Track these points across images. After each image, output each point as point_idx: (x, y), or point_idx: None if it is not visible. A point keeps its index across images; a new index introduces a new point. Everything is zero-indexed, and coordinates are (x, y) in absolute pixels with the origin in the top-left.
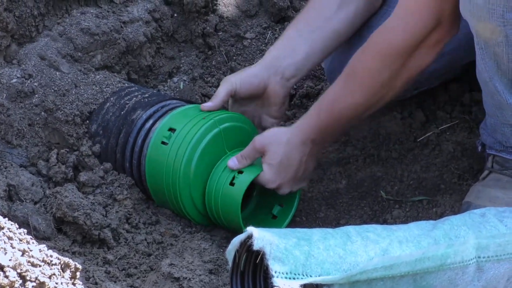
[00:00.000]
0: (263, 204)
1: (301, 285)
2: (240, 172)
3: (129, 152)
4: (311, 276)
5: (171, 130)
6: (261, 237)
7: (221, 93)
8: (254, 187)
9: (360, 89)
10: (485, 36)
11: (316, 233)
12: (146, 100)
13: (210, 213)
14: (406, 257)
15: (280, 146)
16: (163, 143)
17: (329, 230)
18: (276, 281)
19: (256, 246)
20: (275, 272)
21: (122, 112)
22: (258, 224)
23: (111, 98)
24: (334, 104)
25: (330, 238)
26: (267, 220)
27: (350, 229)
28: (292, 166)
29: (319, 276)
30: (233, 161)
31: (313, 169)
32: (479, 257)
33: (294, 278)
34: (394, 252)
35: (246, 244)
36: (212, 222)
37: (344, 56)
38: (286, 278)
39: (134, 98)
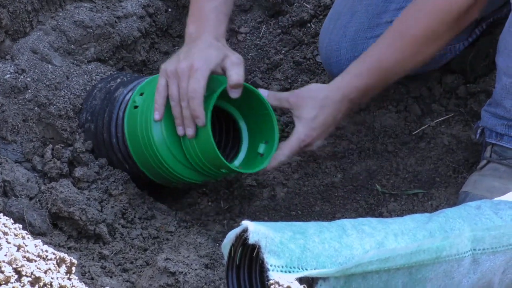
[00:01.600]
0: (252, 148)
1: (296, 279)
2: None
3: (114, 127)
4: (306, 269)
5: (142, 94)
6: (257, 230)
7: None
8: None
9: (411, 47)
10: None
11: (312, 227)
12: (128, 79)
13: (193, 161)
14: (401, 250)
15: (317, 102)
16: (135, 107)
17: (325, 223)
18: (271, 274)
19: (252, 240)
20: (271, 265)
21: (107, 95)
22: (249, 166)
23: (99, 85)
24: (381, 63)
25: (326, 232)
26: (256, 160)
27: (346, 222)
28: (326, 122)
29: (314, 269)
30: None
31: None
32: (474, 249)
33: (289, 272)
34: (389, 245)
35: (242, 238)
36: (202, 175)
37: (333, 24)
38: (281, 271)
39: (118, 80)
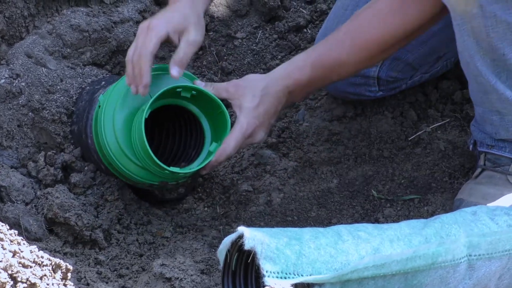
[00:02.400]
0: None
1: (292, 285)
2: None
3: (89, 128)
4: (302, 275)
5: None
6: (252, 236)
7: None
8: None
9: (359, 51)
10: (460, 8)
11: (307, 233)
12: (110, 81)
13: (142, 161)
14: (397, 256)
15: (257, 91)
16: (99, 107)
17: (320, 229)
18: (267, 280)
19: (247, 245)
20: (267, 271)
21: (90, 97)
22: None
23: (87, 87)
24: (325, 61)
25: (321, 237)
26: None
27: (341, 228)
28: (268, 112)
29: (310, 275)
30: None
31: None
32: (470, 255)
33: (285, 278)
34: (385, 251)
35: (237, 244)
36: (155, 175)
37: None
38: (277, 277)
39: (103, 82)
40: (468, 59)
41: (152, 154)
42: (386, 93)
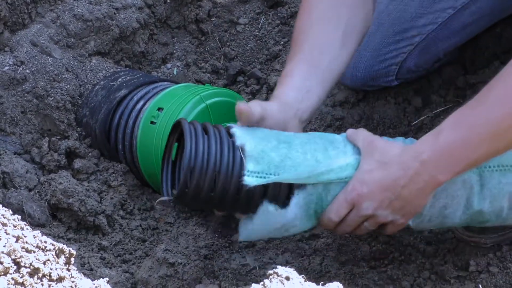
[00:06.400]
0: None
1: (275, 184)
2: None
3: (121, 134)
4: (279, 175)
5: (160, 109)
6: (243, 135)
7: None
8: None
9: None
10: None
11: (300, 137)
12: (132, 80)
13: None
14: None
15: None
16: (151, 122)
17: (316, 134)
18: (246, 179)
19: (238, 143)
20: (248, 171)
21: (107, 93)
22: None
23: (101, 82)
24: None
25: (312, 143)
26: None
27: (338, 137)
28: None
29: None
30: None
31: None
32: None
33: (264, 177)
34: None
35: (176, 134)
36: None
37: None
38: (256, 177)
39: (120, 79)
40: None
41: None
42: (399, 81)
